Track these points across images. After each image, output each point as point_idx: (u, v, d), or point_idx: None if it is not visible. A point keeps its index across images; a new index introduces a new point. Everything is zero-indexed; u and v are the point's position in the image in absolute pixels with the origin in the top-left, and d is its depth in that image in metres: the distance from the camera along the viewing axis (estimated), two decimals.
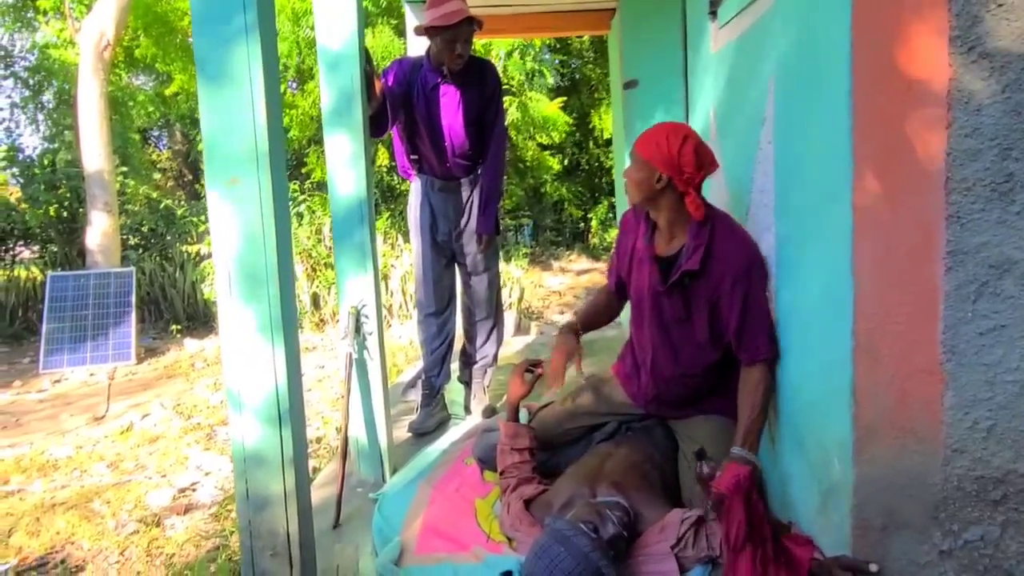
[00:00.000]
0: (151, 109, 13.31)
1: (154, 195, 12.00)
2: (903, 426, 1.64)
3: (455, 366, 3.96)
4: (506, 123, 9.51)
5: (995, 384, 1.60)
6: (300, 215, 8.62)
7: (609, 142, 10.69)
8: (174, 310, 8.72)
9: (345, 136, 2.93)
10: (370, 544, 2.55)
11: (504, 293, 7.54)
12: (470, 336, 3.88)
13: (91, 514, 3.42)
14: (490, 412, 3.71)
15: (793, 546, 1.87)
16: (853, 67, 1.57)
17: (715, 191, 2.77)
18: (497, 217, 3.63)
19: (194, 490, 3.69)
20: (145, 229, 10.69)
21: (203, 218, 8.52)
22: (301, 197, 8.93)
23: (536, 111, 9.97)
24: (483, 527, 2.44)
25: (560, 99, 10.48)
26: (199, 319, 8.70)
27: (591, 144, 11.84)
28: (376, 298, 3.01)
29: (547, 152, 11.00)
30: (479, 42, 8.62)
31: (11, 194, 10.66)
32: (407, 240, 6.52)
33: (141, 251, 10.23)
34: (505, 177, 7.80)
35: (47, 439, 4.72)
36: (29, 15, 12.12)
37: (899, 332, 1.62)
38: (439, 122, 3.43)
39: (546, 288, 9.80)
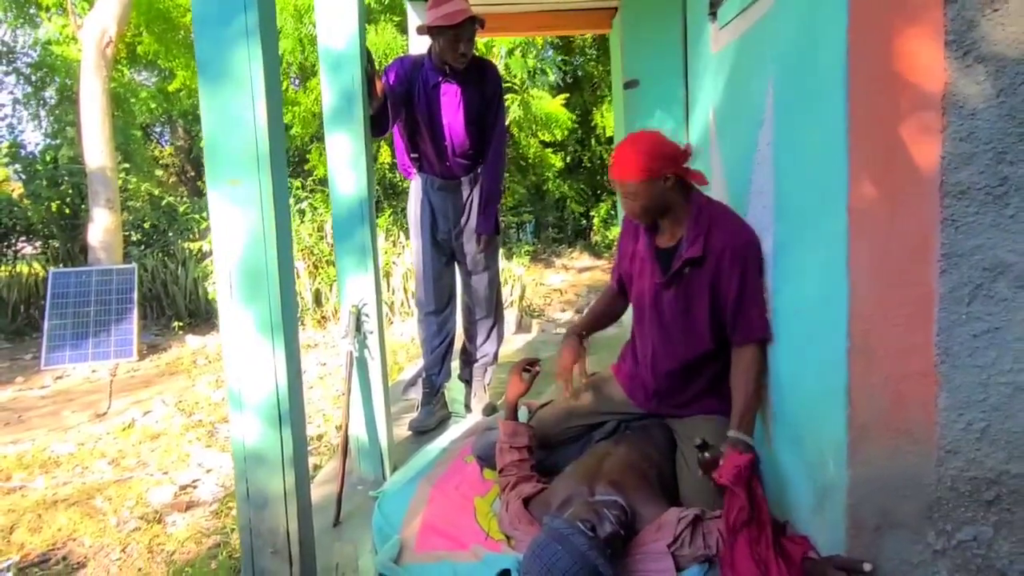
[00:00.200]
0: (153, 106, 13.31)
1: (156, 192, 12.01)
2: (897, 427, 1.66)
3: (455, 364, 3.97)
4: (507, 121, 9.56)
5: (989, 386, 1.62)
6: (302, 212, 8.64)
7: (611, 140, 10.69)
8: (176, 307, 8.74)
9: (346, 136, 2.94)
10: (370, 542, 2.57)
11: (505, 291, 7.56)
12: (470, 335, 3.89)
13: (93, 511, 3.44)
14: (490, 410, 3.73)
15: (788, 542, 1.89)
16: (849, 70, 1.58)
17: (715, 191, 2.79)
18: (497, 217, 3.64)
19: (195, 487, 3.71)
20: (147, 226, 10.71)
21: (205, 215, 8.53)
22: (303, 194, 8.95)
23: (538, 108, 9.97)
24: (482, 525, 2.46)
25: (563, 96, 10.47)
26: (201, 316, 8.72)
27: (593, 141, 11.84)
28: (377, 297, 3.03)
29: (549, 149, 11.00)
30: (480, 40, 8.62)
31: (13, 190, 10.68)
32: (409, 237, 6.65)
33: (143, 247, 10.25)
34: (505, 176, 7.81)
35: (49, 436, 4.74)
36: (32, 11, 12.12)
37: (894, 334, 1.63)
38: (440, 121, 3.44)
39: (547, 286, 9.82)
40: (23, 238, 10.40)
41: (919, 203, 1.59)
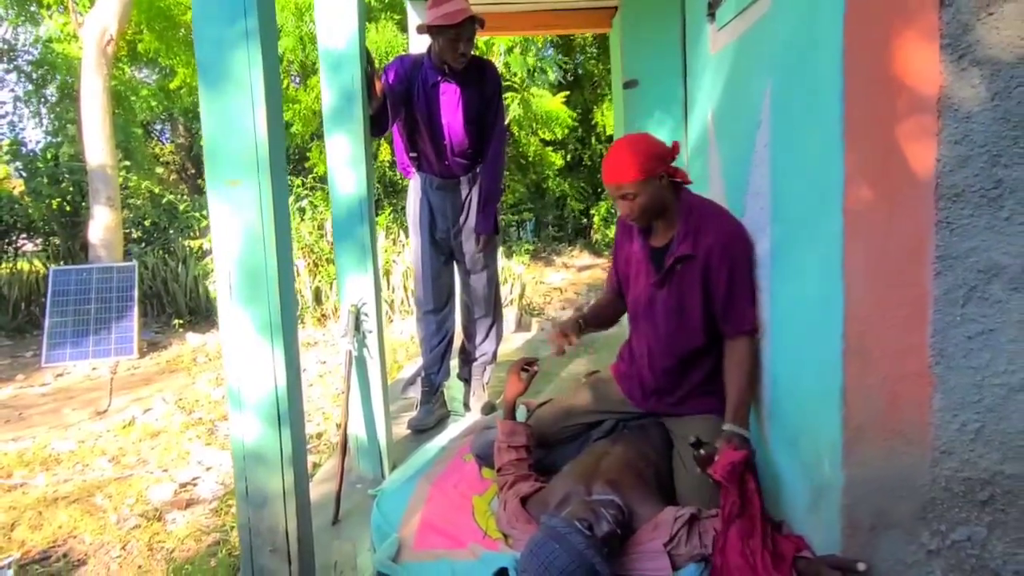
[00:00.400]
0: (154, 103, 13.31)
1: (157, 189, 12.02)
2: (892, 428, 1.67)
3: (455, 363, 3.99)
4: (507, 120, 9.56)
5: (983, 387, 1.63)
6: (302, 210, 8.65)
7: (611, 138, 10.69)
8: (176, 304, 8.75)
9: (346, 136, 2.95)
10: (368, 540, 2.58)
11: (505, 289, 7.57)
12: (469, 333, 3.91)
13: (93, 508, 3.46)
14: (489, 409, 3.74)
15: (781, 539, 1.91)
16: (845, 73, 1.59)
17: (714, 191, 2.80)
18: (496, 216, 3.66)
19: (195, 485, 3.73)
20: (148, 223, 10.72)
21: (205, 212, 8.54)
22: (303, 192, 8.95)
23: (539, 107, 9.96)
24: (480, 524, 2.47)
25: (563, 94, 10.46)
26: (201, 313, 8.72)
27: (594, 140, 11.82)
28: (376, 296, 3.04)
29: (549, 148, 10.99)
30: (480, 38, 8.62)
31: (14, 188, 10.69)
32: (408, 236, 6.68)
33: (144, 245, 10.26)
34: (505, 175, 7.81)
35: (50, 433, 4.75)
36: (32, 9, 12.12)
37: (889, 335, 1.64)
38: (439, 120, 3.45)
39: (547, 284, 9.82)
40: (24, 235, 10.41)
41: (914, 205, 1.60)
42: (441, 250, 3.69)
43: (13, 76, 13.07)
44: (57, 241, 9.97)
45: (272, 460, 2.08)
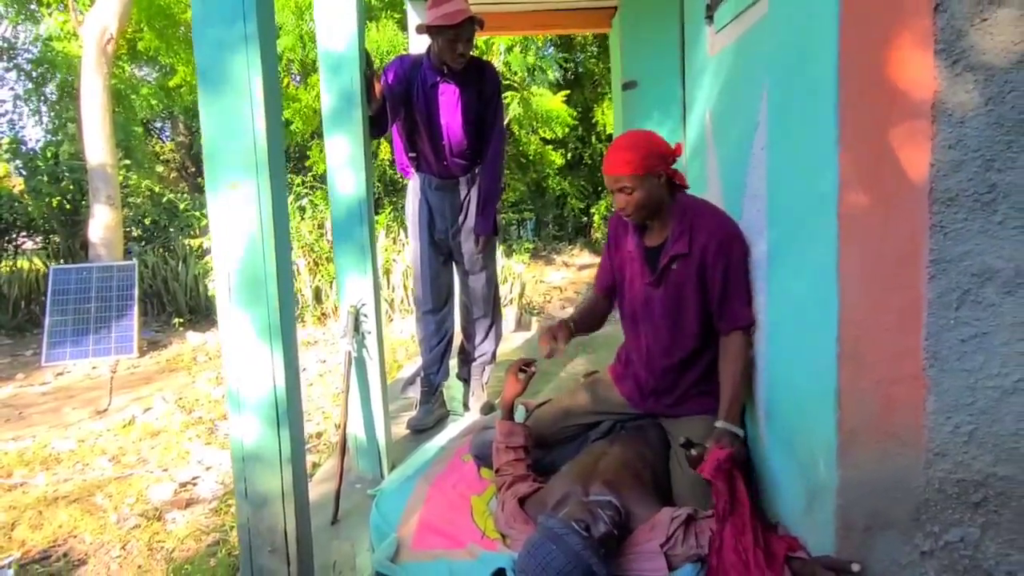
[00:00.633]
0: (154, 102, 13.32)
1: (157, 188, 12.02)
2: (886, 430, 1.68)
3: (454, 363, 4.00)
4: (508, 119, 9.56)
5: (976, 390, 1.64)
6: (302, 209, 8.65)
7: (611, 137, 10.69)
8: (176, 303, 8.76)
9: (345, 137, 2.96)
10: (367, 540, 2.59)
11: (505, 288, 7.58)
12: (468, 334, 3.92)
13: (93, 508, 3.47)
14: (488, 409, 3.75)
15: (774, 539, 1.93)
16: (840, 78, 1.61)
17: (711, 193, 2.81)
18: (495, 217, 3.66)
19: (195, 484, 3.74)
20: (148, 222, 10.73)
21: (206, 211, 8.55)
22: (303, 191, 8.96)
23: (539, 106, 9.97)
24: (478, 524, 2.49)
25: (563, 93, 10.47)
26: (201, 312, 8.73)
27: (594, 139, 11.83)
28: (375, 297, 3.05)
29: (550, 146, 11.00)
30: (480, 38, 8.63)
31: (14, 186, 10.70)
32: (409, 235, 6.65)
33: (144, 244, 10.27)
34: (505, 174, 7.81)
35: (50, 432, 4.76)
36: (32, 7, 12.13)
37: (883, 338, 1.66)
38: (438, 120, 3.46)
39: (547, 283, 9.83)
40: (24, 233, 10.42)
41: (909, 209, 1.61)
42: (440, 250, 3.70)
43: (13, 74, 13.09)
44: (57, 239, 9.97)
45: (271, 461, 2.09)
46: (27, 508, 3.48)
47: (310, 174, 9.65)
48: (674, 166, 2.38)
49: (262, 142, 1.95)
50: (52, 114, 13.36)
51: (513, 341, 5.72)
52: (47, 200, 9.52)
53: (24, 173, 10.31)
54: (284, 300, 2.05)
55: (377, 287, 3.10)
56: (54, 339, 6.68)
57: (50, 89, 13.38)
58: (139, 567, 2.91)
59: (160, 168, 15.36)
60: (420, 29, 3.36)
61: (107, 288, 7.09)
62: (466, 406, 3.91)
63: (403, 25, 9.09)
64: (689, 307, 2.39)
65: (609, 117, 10.94)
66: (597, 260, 11.10)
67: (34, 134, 17.43)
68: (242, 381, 2.06)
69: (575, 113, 10.87)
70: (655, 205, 2.35)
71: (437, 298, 3.73)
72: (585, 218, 12.45)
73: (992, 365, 1.63)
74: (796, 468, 1.98)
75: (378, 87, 3.17)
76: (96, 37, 8.37)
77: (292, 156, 11.41)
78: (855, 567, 1.69)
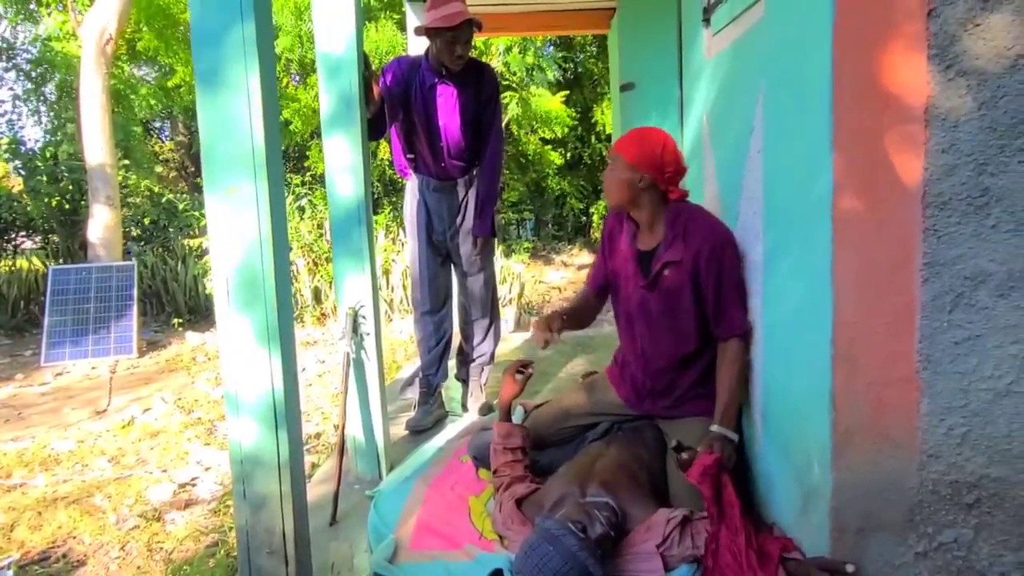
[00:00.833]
0: (153, 102, 13.33)
1: (156, 188, 12.03)
2: (880, 432, 1.69)
3: (453, 364, 4.01)
4: (507, 119, 9.56)
5: (969, 392, 1.65)
6: (301, 209, 8.66)
7: (611, 138, 10.70)
8: (175, 303, 8.77)
9: (344, 140, 2.97)
10: (365, 541, 2.60)
11: (504, 289, 7.59)
12: (466, 335, 3.93)
13: (92, 509, 3.48)
14: (487, 410, 3.76)
15: (768, 540, 1.94)
16: (834, 82, 1.62)
17: (708, 197, 2.82)
18: (493, 219, 3.67)
19: (194, 485, 3.75)
20: (147, 222, 10.74)
21: (204, 212, 8.56)
22: (303, 191, 8.97)
23: (538, 106, 9.98)
24: (476, 525, 2.50)
25: (563, 93, 10.48)
26: (200, 312, 8.74)
27: (593, 139, 11.84)
28: (374, 299, 3.06)
29: (549, 146, 11.01)
30: (479, 39, 8.63)
31: (13, 186, 10.70)
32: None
33: (143, 244, 10.28)
34: (504, 175, 7.81)
35: (49, 433, 4.77)
36: (32, 7, 12.14)
37: (877, 341, 1.67)
38: (436, 122, 3.46)
39: (547, 283, 9.85)
40: (23, 233, 10.43)
41: (902, 213, 1.62)
42: (438, 251, 3.71)
43: (12, 74, 13.10)
44: (56, 239, 9.98)
45: (269, 463, 2.10)
46: (26, 509, 3.49)
47: (309, 174, 9.65)
48: (676, 178, 2.40)
49: (260, 144, 1.96)
50: (51, 114, 13.38)
51: (512, 341, 5.73)
52: (46, 200, 9.54)
53: (23, 173, 10.32)
54: (282, 302, 2.06)
55: (375, 288, 3.11)
56: (53, 339, 6.68)
57: (49, 89, 13.40)
58: (138, 568, 2.92)
59: (159, 168, 15.36)
60: (419, 31, 3.37)
61: (106, 288, 7.09)
62: (464, 407, 3.92)
63: (402, 26, 9.10)
64: (684, 312, 2.40)
65: (608, 117, 10.94)
66: None
67: (33, 134, 17.48)
68: (240, 384, 2.07)
69: (574, 113, 10.88)
70: (627, 198, 2.40)
71: (435, 299, 3.73)
72: (584, 218, 12.46)
73: (985, 368, 1.64)
74: (791, 470, 1.99)
75: (376, 89, 3.18)
76: (95, 37, 8.38)
77: (291, 156, 11.42)
78: (849, 568, 1.71)
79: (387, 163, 9.53)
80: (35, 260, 9.74)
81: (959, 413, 1.66)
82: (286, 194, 8.30)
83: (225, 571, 2.79)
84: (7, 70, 13.01)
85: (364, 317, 3.04)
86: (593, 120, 11.55)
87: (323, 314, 7.97)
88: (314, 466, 3.68)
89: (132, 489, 3.69)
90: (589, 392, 2.83)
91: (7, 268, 9.50)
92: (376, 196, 9.87)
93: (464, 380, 3.96)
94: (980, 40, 1.56)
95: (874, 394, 1.68)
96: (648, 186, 2.36)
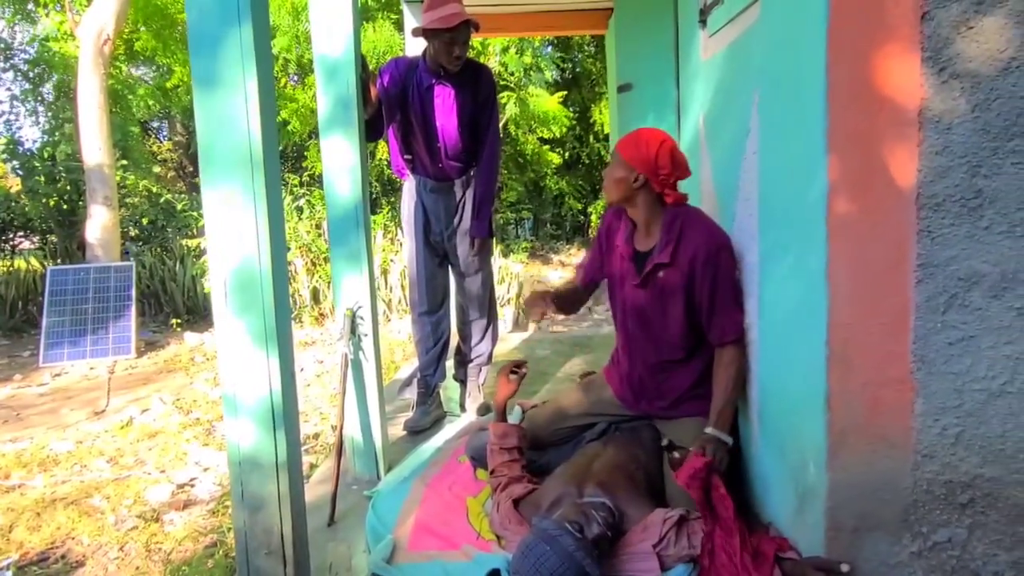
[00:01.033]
0: (151, 102, 13.32)
1: (154, 188, 12.02)
2: (875, 432, 1.70)
3: (451, 364, 4.01)
4: (505, 119, 9.56)
5: (963, 392, 1.66)
6: (299, 209, 8.66)
7: (608, 137, 10.70)
8: (174, 304, 8.77)
9: (342, 141, 2.97)
10: (364, 541, 2.61)
11: (503, 289, 7.59)
12: (464, 335, 3.93)
13: (91, 509, 3.48)
14: (485, 410, 3.77)
15: (763, 540, 1.95)
16: (829, 84, 1.62)
17: (704, 198, 2.83)
18: (491, 220, 3.67)
19: (192, 486, 3.75)
20: (145, 222, 10.73)
21: (203, 212, 8.55)
22: (301, 191, 8.97)
23: (536, 106, 9.99)
24: (474, 525, 2.51)
25: (561, 93, 10.49)
26: (199, 312, 8.74)
27: (591, 138, 11.85)
28: (371, 300, 3.07)
29: (547, 146, 11.02)
30: (476, 39, 8.64)
31: (11, 186, 10.70)
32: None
33: (141, 244, 10.27)
34: (502, 175, 7.80)
35: (48, 433, 4.77)
36: (29, 8, 12.13)
37: (872, 342, 1.68)
38: (433, 122, 3.47)
39: (545, 283, 9.85)
40: (21, 233, 10.43)
41: (896, 215, 1.63)
42: (435, 252, 3.72)
43: (10, 75, 13.08)
44: (54, 240, 9.98)
45: (267, 464, 2.11)
46: (25, 510, 3.49)
47: (307, 174, 9.66)
48: (675, 181, 2.41)
49: (257, 144, 1.96)
50: (49, 114, 13.35)
51: (510, 341, 5.74)
52: (44, 200, 9.53)
53: (21, 173, 10.32)
54: (280, 303, 2.06)
55: (373, 289, 3.11)
56: (51, 340, 6.68)
57: (47, 89, 13.37)
58: (137, 568, 2.93)
59: (157, 168, 15.34)
60: (416, 32, 3.37)
61: (104, 289, 7.09)
62: (463, 407, 3.92)
63: (400, 26, 9.10)
64: (675, 316, 2.42)
65: (606, 117, 10.95)
66: None
67: (31, 134, 17.46)
68: (238, 385, 2.07)
69: (572, 113, 10.88)
70: (622, 195, 2.42)
71: (433, 300, 3.74)
72: (583, 217, 12.47)
73: (979, 368, 1.65)
74: (787, 470, 2.00)
75: (374, 91, 3.19)
76: (93, 37, 8.38)
77: (289, 156, 11.42)
78: (844, 567, 1.72)
79: (385, 163, 9.53)
80: (33, 261, 9.73)
81: (953, 413, 1.67)
82: (284, 194, 8.31)
83: (224, 572, 2.79)
84: (5, 70, 13.00)
85: (362, 318, 3.05)
86: (591, 120, 11.56)
87: (321, 314, 7.97)
88: (312, 467, 3.68)
89: (131, 490, 3.69)
90: (586, 392, 2.84)
91: (5, 269, 9.50)
92: (374, 196, 9.88)
93: (462, 380, 3.97)
94: (973, 43, 1.56)
95: (869, 394, 1.69)
96: (642, 186, 2.37)
